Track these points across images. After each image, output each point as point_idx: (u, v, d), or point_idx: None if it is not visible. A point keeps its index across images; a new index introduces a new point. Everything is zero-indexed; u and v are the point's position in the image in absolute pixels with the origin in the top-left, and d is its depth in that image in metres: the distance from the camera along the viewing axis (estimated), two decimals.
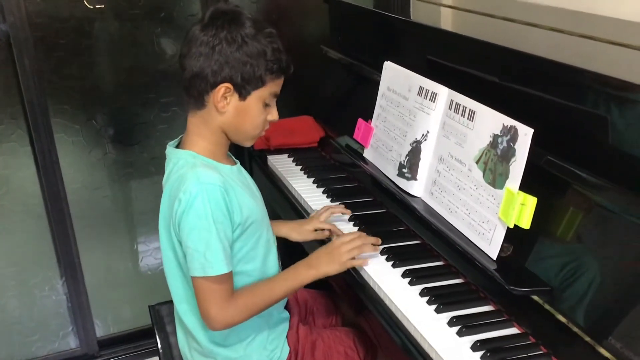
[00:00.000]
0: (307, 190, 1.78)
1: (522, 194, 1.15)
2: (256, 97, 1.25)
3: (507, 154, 1.20)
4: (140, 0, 2.07)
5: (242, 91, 1.23)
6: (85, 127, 2.12)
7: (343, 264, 1.34)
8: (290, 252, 1.74)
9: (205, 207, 1.19)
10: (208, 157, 1.27)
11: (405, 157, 1.53)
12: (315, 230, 1.53)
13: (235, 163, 1.35)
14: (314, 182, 1.83)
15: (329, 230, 1.52)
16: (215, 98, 1.23)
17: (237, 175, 1.32)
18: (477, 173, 1.29)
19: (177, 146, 1.31)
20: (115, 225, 2.27)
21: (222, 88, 1.22)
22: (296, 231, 1.55)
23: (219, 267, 1.20)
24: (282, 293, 1.31)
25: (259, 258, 1.34)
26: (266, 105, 1.27)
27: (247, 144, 1.33)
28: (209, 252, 1.19)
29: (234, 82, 1.22)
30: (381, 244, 1.43)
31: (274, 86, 1.27)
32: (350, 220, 1.59)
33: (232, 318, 1.25)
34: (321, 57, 2.17)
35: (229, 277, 1.24)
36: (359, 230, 1.53)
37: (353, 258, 1.35)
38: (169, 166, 1.29)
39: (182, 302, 1.33)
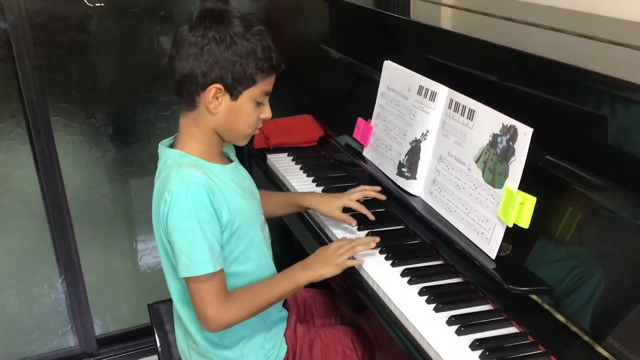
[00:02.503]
0: (306, 189, 1.78)
1: (521, 193, 1.15)
2: (248, 97, 1.23)
3: (507, 154, 1.20)
4: None
5: (234, 91, 1.22)
6: (85, 125, 2.12)
7: (338, 265, 1.34)
8: (287, 253, 1.75)
9: (189, 207, 1.17)
10: (199, 157, 1.26)
11: (405, 156, 1.53)
12: (342, 210, 1.50)
13: (230, 162, 1.34)
14: (313, 181, 1.83)
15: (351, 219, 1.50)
16: (207, 99, 1.21)
17: (229, 175, 1.30)
18: (477, 172, 1.29)
19: (171, 145, 1.30)
20: (114, 223, 2.27)
21: (213, 89, 1.20)
22: (324, 204, 1.52)
23: (204, 267, 1.19)
24: (278, 293, 1.31)
25: (254, 259, 1.33)
26: (258, 103, 1.26)
27: (241, 143, 1.32)
28: (193, 252, 1.18)
29: (225, 83, 1.20)
30: (380, 243, 1.43)
31: (265, 84, 1.25)
32: None
33: (230, 318, 1.24)
34: (321, 56, 2.17)
35: (219, 275, 1.22)
36: (358, 229, 1.53)
37: (349, 259, 1.35)
38: (159, 165, 1.29)
39: (180, 300, 1.33)
